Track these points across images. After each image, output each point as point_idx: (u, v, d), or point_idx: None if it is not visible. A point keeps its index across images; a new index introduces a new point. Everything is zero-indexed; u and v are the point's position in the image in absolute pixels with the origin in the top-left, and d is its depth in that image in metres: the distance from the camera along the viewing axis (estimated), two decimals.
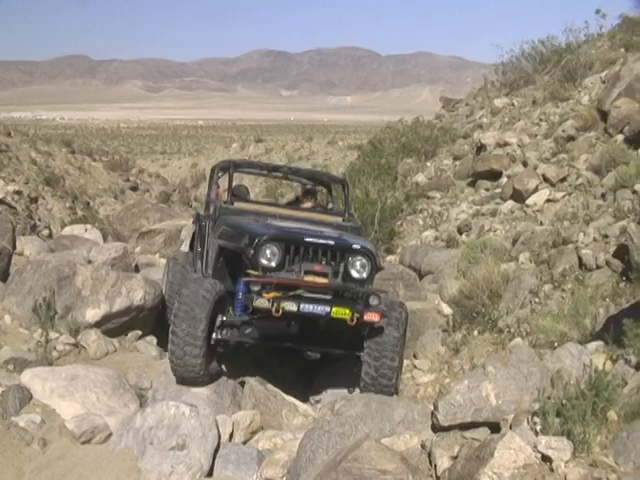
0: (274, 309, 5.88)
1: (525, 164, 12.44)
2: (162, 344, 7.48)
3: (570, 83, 14.98)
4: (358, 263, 6.37)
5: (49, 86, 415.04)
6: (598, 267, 7.74)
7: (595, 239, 8.29)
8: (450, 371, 7.59)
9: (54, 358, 6.63)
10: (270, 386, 6.52)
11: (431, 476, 4.69)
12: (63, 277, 7.52)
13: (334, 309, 6.01)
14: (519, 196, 11.39)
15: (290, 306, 5.93)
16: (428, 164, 16.30)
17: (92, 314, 7.46)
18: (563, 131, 12.68)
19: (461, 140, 16.67)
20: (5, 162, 21.41)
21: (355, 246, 6.44)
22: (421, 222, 13.38)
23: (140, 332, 7.88)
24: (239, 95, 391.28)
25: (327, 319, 6.07)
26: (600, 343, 5.95)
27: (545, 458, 4.20)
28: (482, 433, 5.10)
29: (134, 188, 30.69)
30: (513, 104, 16.72)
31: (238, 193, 8.05)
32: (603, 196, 9.73)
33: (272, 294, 5.94)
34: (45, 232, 16.02)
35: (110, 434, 5.44)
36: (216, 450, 5.30)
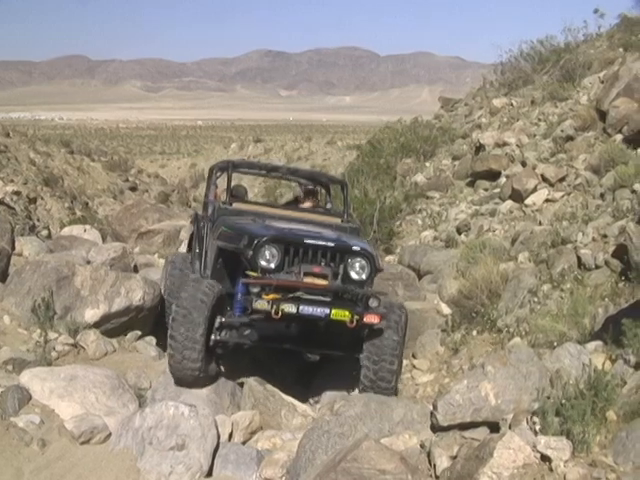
0: (273, 311, 5.87)
1: (524, 164, 12.45)
2: (161, 344, 7.48)
3: (569, 83, 15.00)
4: (358, 265, 6.35)
5: (48, 86, 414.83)
6: (597, 267, 7.74)
7: (594, 239, 8.29)
8: (449, 371, 7.60)
9: (53, 358, 6.62)
10: (269, 386, 6.51)
11: (430, 476, 4.69)
12: (62, 277, 7.51)
13: (334, 311, 6.00)
14: (518, 196, 11.40)
15: (289, 308, 5.92)
16: (427, 164, 16.32)
17: (91, 314, 7.45)
18: (562, 131, 12.69)
19: (460, 140, 16.68)
20: (4, 162, 21.39)
21: (355, 248, 6.42)
22: (420, 222, 13.38)
23: (139, 332, 7.88)
24: (238, 95, 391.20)
25: (326, 321, 6.06)
26: (599, 343, 5.95)
27: (544, 458, 4.20)
28: (481, 433, 5.11)
29: (133, 188, 30.68)
30: (512, 104, 16.73)
31: (237, 193, 8.02)
32: (602, 196, 9.74)
33: (271, 296, 5.93)
34: (44, 232, 16.01)
35: (109, 434, 5.43)
36: (215, 450, 5.29)
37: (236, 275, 6.49)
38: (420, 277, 10.17)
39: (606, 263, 7.62)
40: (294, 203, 8.65)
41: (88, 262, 9.10)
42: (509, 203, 11.57)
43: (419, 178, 15.39)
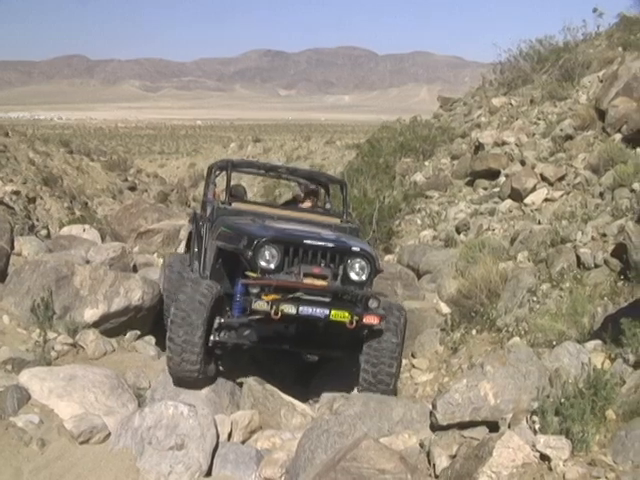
0: (273, 312, 5.86)
1: (523, 163, 12.45)
2: (160, 344, 7.47)
3: (568, 82, 15.00)
4: (357, 266, 6.34)
5: (47, 86, 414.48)
6: (596, 266, 7.75)
7: (593, 238, 8.30)
8: (448, 370, 7.60)
9: (52, 358, 6.62)
10: (268, 386, 6.51)
11: (430, 475, 4.69)
12: (61, 277, 7.51)
13: (333, 312, 5.99)
14: (517, 195, 11.40)
15: (289, 309, 5.90)
16: (426, 163, 16.32)
17: (90, 314, 7.46)
18: (561, 130, 12.69)
19: (459, 139, 16.68)
20: (3, 162, 21.36)
21: (354, 248, 6.40)
22: (419, 221, 13.38)
23: (138, 332, 7.88)
24: (237, 95, 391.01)
25: (326, 322, 6.05)
26: (598, 342, 5.95)
27: (544, 457, 4.20)
28: (481, 432, 5.11)
29: (132, 188, 30.65)
30: (511, 103, 16.73)
31: (236, 193, 8.00)
32: (601, 195, 9.74)
33: (271, 296, 5.92)
34: (43, 232, 15.99)
35: (108, 434, 5.44)
36: (215, 450, 5.29)
37: (235, 275, 6.47)
38: (419, 276, 10.17)
39: (605, 262, 7.63)
40: (293, 203, 8.63)
41: (87, 262, 9.09)
42: (508, 202, 11.57)
43: (418, 177, 15.39)
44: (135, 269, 10.01)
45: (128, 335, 7.77)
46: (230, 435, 5.76)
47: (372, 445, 4.42)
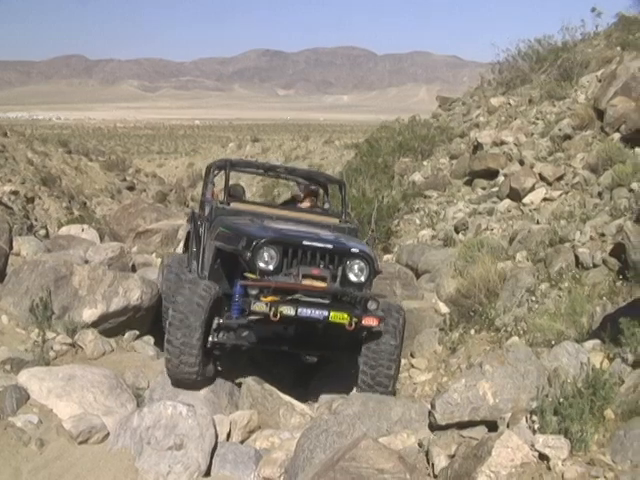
0: (272, 313, 5.84)
1: (522, 163, 12.45)
2: (159, 344, 7.47)
3: (566, 82, 15.01)
4: (356, 267, 6.32)
5: (45, 86, 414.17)
6: (595, 266, 7.75)
7: (592, 238, 8.30)
8: (447, 370, 7.60)
9: (51, 358, 6.62)
10: (267, 385, 6.51)
11: (429, 475, 4.69)
12: (60, 277, 7.51)
13: (332, 313, 5.97)
14: (516, 195, 11.40)
15: (288, 310, 5.88)
16: (425, 163, 16.31)
17: (89, 314, 7.45)
18: (559, 130, 12.70)
19: (458, 139, 16.68)
20: (2, 162, 21.36)
21: (354, 250, 6.37)
22: (418, 221, 13.38)
23: (137, 332, 7.87)
24: (236, 94, 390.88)
25: (325, 323, 6.04)
26: (597, 342, 5.96)
27: (542, 456, 4.20)
28: (479, 432, 5.11)
29: (131, 188, 30.65)
30: (509, 103, 16.74)
31: (234, 193, 7.96)
32: (600, 195, 9.75)
33: (270, 298, 5.90)
34: (42, 232, 15.97)
35: (107, 434, 5.43)
36: (214, 450, 5.29)
37: (234, 276, 6.46)
38: (418, 276, 10.17)
39: (604, 262, 7.63)
40: (292, 203, 8.59)
41: (86, 262, 9.08)
42: (507, 202, 11.57)
43: (417, 177, 15.39)
44: (134, 269, 10.01)
45: (127, 335, 7.77)
46: (229, 435, 5.76)
47: (371, 445, 4.42)
